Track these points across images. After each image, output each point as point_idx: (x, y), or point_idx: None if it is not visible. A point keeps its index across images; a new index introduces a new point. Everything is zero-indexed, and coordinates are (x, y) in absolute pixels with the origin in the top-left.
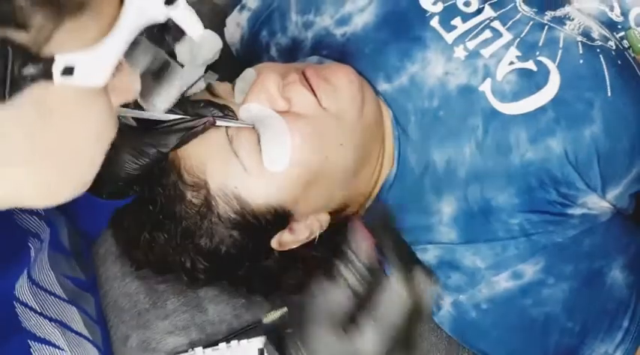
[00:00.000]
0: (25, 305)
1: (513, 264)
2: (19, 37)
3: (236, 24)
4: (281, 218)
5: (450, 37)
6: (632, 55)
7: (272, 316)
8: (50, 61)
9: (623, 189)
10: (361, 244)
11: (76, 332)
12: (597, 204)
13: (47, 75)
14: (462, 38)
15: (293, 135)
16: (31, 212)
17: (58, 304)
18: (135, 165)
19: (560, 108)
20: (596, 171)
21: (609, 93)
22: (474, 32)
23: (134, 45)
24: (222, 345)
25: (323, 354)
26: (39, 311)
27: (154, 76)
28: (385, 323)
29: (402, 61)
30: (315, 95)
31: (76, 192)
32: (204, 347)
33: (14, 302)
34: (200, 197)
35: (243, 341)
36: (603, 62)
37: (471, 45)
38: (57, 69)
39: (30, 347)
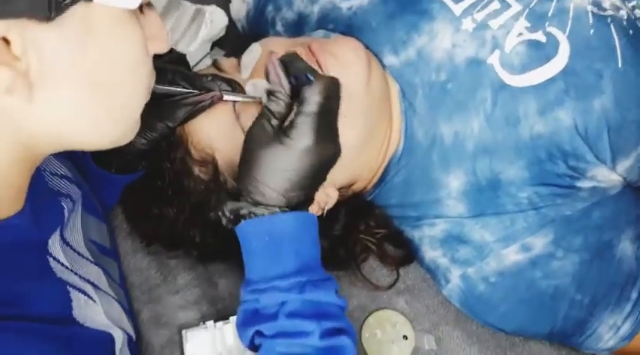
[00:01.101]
0: (57, 260)
1: (522, 236)
2: None
3: (241, 0)
4: None
5: (457, 9)
6: None
7: None
8: None
9: (634, 161)
10: (272, 74)
11: (104, 291)
12: (607, 176)
13: None
14: (469, 10)
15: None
16: (62, 176)
17: (86, 265)
18: (143, 139)
19: (570, 79)
20: (606, 142)
21: (620, 64)
22: (482, 3)
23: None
24: (233, 319)
25: (272, 171)
26: (69, 268)
27: (179, 24)
28: (310, 115)
29: (409, 33)
30: (321, 69)
31: (119, 133)
32: (215, 320)
33: (47, 256)
34: (208, 172)
35: None
36: (614, 32)
37: (479, 16)
38: None
39: (68, 291)
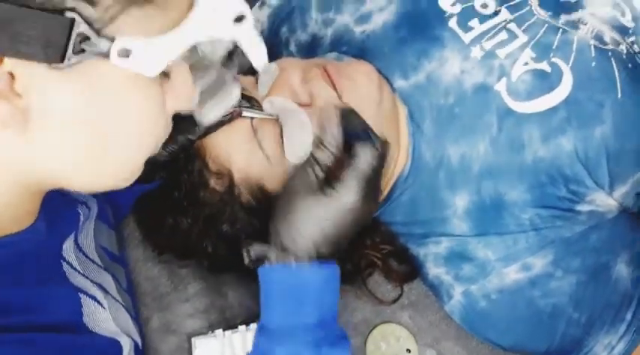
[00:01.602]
0: (70, 265)
1: (523, 256)
2: (87, 11)
3: (256, 20)
4: None
5: (467, 38)
6: None
7: None
8: (110, 40)
9: (630, 187)
10: (329, 126)
11: (113, 297)
12: (604, 201)
13: (105, 52)
14: (478, 39)
15: (315, 128)
16: None
17: (96, 270)
18: (163, 150)
19: (572, 108)
20: (605, 169)
21: (620, 95)
22: (491, 33)
23: (201, 59)
24: (242, 328)
25: (308, 220)
26: (82, 273)
27: (210, 92)
28: (360, 173)
29: (419, 59)
30: (335, 90)
31: (109, 183)
32: (224, 329)
33: (61, 260)
34: (223, 184)
35: None
36: (614, 65)
37: (488, 45)
38: (115, 49)
39: (80, 297)
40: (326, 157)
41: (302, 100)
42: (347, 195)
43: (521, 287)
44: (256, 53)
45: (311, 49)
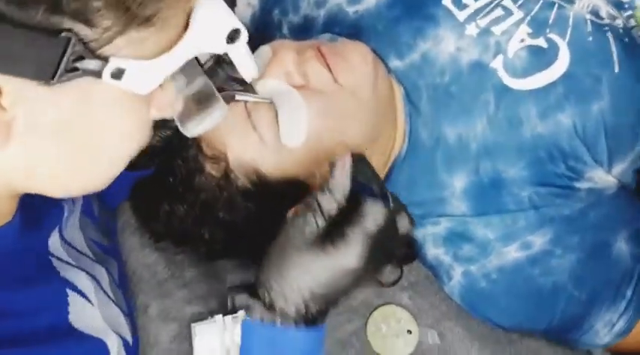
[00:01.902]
0: (61, 259)
1: (523, 235)
2: (85, 32)
3: (247, 3)
4: (297, 191)
5: (461, 15)
6: (639, 33)
7: None
8: (105, 60)
9: (628, 164)
10: (338, 171)
11: (105, 292)
12: (603, 178)
13: (97, 73)
14: (473, 16)
15: (309, 110)
16: None
17: (90, 264)
18: (157, 136)
19: (570, 84)
20: (603, 145)
21: (617, 70)
22: (486, 10)
23: (188, 66)
24: (242, 313)
25: (302, 276)
26: (75, 265)
27: (196, 101)
28: (366, 233)
29: (414, 38)
30: (330, 71)
31: (87, 189)
32: (224, 314)
33: (49, 256)
34: (219, 169)
35: None
36: (611, 40)
37: (483, 23)
38: (108, 70)
39: (67, 294)
40: (330, 205)
41: (296, 82)
42: (348, 257)
43: (521, 266)
44: (246, 66)
45: (304, 31)
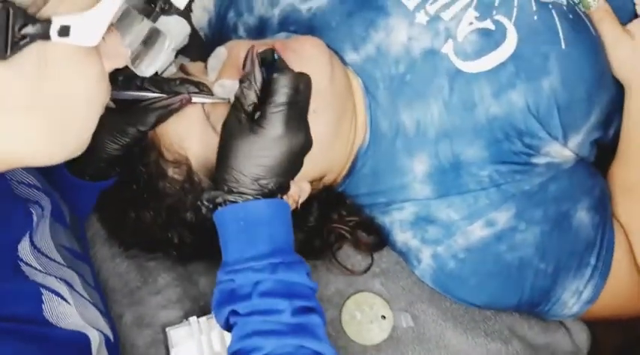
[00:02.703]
0: (29, 265)
1: (486, 213)
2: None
3: (202, 8)
4: None
5: (411, 4)
6: (582, 9)
7: None
8: (48, 22)
9: (583, 137)
10: (248, 66)
11: (79, 293)
12: (560, 152)
13: (45, 35)
14: (422, 4)
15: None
16: (29, 185)
17: (59, 268)
18: (115, 145)
19: (519, 63)
20: (557, 120)
21: (563, 46)
22: None
23: (124, 15)
24: None
25: (245, 159)
26: (43, 271)
27: (143, 44)
28: (279, 104)
29: (366, 30)
30: None
31: (71, 151)
32: (199, 316)
33: (18, 261)
34: (182, 173)
35: None
36: (556, 17)
37: (432, 9)
38: (54, 29)
39: (41, 293)
40: (249, 96)
41: None
42: (273, 129)
43: (487, 244)
44: None
45: (260, 32)
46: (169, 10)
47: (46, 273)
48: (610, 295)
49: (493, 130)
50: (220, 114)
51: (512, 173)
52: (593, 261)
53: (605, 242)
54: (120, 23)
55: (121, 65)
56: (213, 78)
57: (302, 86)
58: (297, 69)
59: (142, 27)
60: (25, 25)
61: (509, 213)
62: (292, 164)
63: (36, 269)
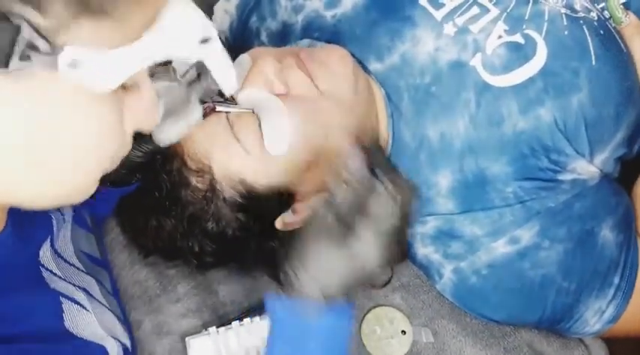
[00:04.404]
0: (50, 271)
1: (510, 229)
2: (36, 18)
3: (224, 11)
4: (284, 199)
5: (439, 15)
6: (613, 24)
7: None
8: (59, 49)
9: (609, 153)
10: (352, 161)
11: (97, 300)
12: (586, 168)
13: (52, 62)
14: (450, 15)
15: (292, 117)
16: None
17: (78, 274)
18: (138, 152)
19: (548, 79)
20: (584, 137)
21: (594, 62)
22: (462, 9)
23: (162, 76)
24: (235, 324)
25: (325, 269)
26: (62, 277)
27: (169, 108)
28: (381, 223)
29: (392, 40)
30: (310, 78)
31: (69, 198)
32: (218, 326)
33: (39, 267)
34: (205, 182)
35: (256, 319)
36: (587, 32)
37: (460, 21)
38: (63, 58)
39: (61, 302)
40: (346, 198)
41: (277, 90)
42: (365, 249)
43: (510, 261)
44: (225, 77)
45: (283, 37)
46: (215, 92)
47: (65, 280)
48: (632, 314)
49: (519, 146)
50: (244, 124)
51: (537, 189)
52: (616, 280)
53: (629, 261)
54: (160, 83)
55: (148, 130)
56: (238, 87)
57: (408, 208)
58: (321, 80)
59: (180, 94)
60: (35, 48)
61: (533, 230)
62: (362, 281)
63: (56, 275)
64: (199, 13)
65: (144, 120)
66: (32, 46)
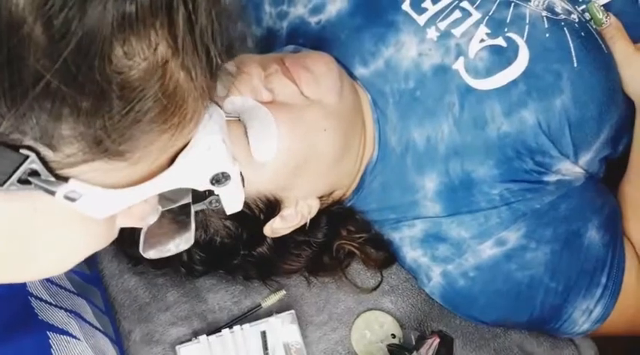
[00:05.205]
0: (40, 298)
1: (496, 231)
2: (46, 153)
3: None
4: (272, 205)
5: (421, 20)
6: (594, 26)
7: (271, 300)
8: (63, 181)
9: (594, 154)
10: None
11: (89, 323)
12: (570, 169)
13: (51, 191)
14: (433, 19)
15: (278, 124)
16: None
17: (69, 297)
18: None
19: (531, 81)
20: (568, 138)
21: (575, 64)
22: (445, 13)
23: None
24: (226, 331)
25: None
26: (53, 303)
27: (169, 220)
28: None
29: (376, 45)
30: (296, 84)
31: (41, 276)
32: (208, 334)
33: (28, 297)
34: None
35: (246, 326)
36: (568, 35)
37: (443, 25)
38: (63, 190)
39: (48, 337)
40: None
41: (263, 97)
42: None
43: (497, 262)
44: (232, 203)
45: (268, 44)
46: (216, 208)
47: (55, 306)
48: (619, 314)
49: (504, 148)
50: (230, 132)
51: (523, 191)
52: (603, 280)
53: (615, 261)
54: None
55: (136, 226)
56: (223, 94)
57: None
58: (306, 86)
59: (182, 209)
60: (36, 174)
61: (519, 232)
62: None
63: (46, 302)
64: (223, 151)
65: (136, 221)
66: (33, 172)
